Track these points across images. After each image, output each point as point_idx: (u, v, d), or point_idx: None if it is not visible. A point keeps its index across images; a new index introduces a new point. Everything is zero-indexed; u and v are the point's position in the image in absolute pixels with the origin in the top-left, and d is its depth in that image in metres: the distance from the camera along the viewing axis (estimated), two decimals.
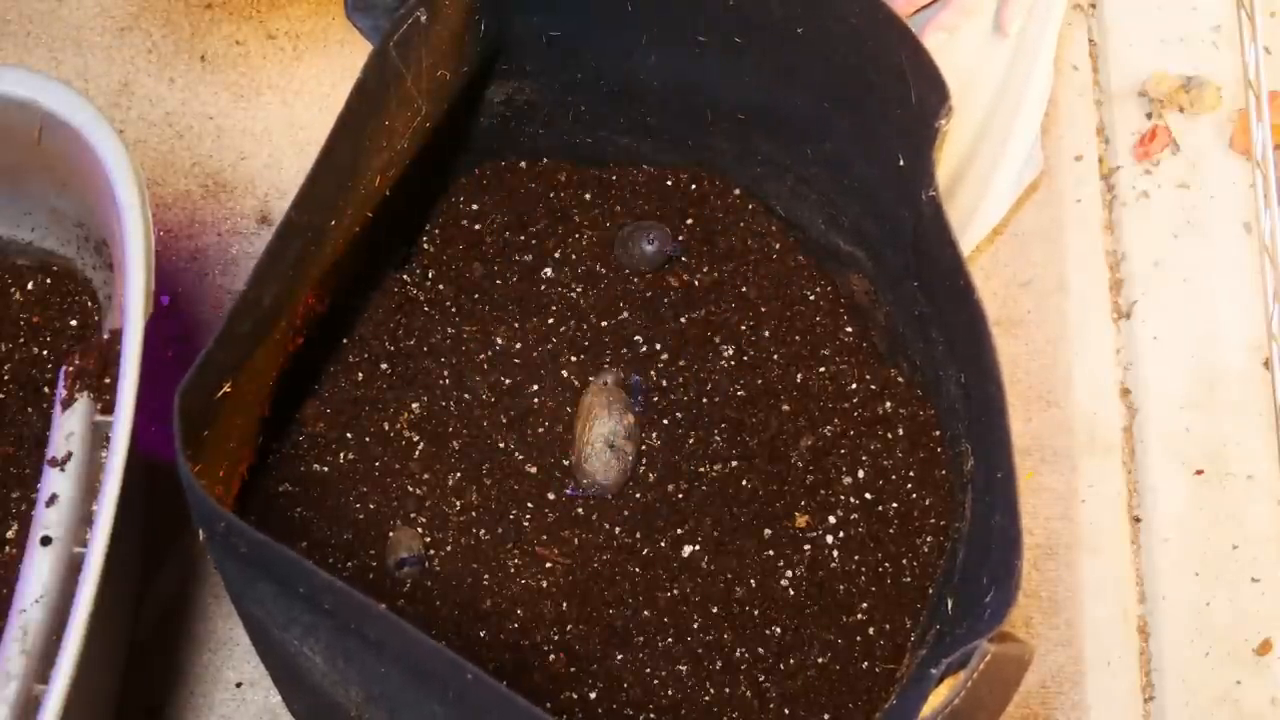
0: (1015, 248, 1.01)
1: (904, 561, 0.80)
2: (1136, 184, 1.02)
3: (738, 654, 0.78)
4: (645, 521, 0.81)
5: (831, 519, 0.81)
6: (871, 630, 0.78)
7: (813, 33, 0.75)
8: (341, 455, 0.81)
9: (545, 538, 0.80)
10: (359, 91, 0.69)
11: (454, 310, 0.86)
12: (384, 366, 0.84)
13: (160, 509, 0.85)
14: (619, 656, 0.77)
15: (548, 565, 0.79)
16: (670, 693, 0.77)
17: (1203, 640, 0.90)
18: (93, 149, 0.73)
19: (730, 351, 0.85)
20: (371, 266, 0.84)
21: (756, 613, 0.79)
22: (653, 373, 0.85)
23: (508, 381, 0.84)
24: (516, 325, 0.86)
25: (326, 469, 0.81)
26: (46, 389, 0.83)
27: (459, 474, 0.81)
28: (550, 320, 0.86)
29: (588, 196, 0.89)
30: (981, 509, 0.70)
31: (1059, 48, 0.92)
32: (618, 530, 0.81)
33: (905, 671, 0.77)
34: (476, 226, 0.88)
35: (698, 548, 0.80)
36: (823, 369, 0.85)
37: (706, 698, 0.77)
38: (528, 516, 0.81)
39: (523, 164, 0.90)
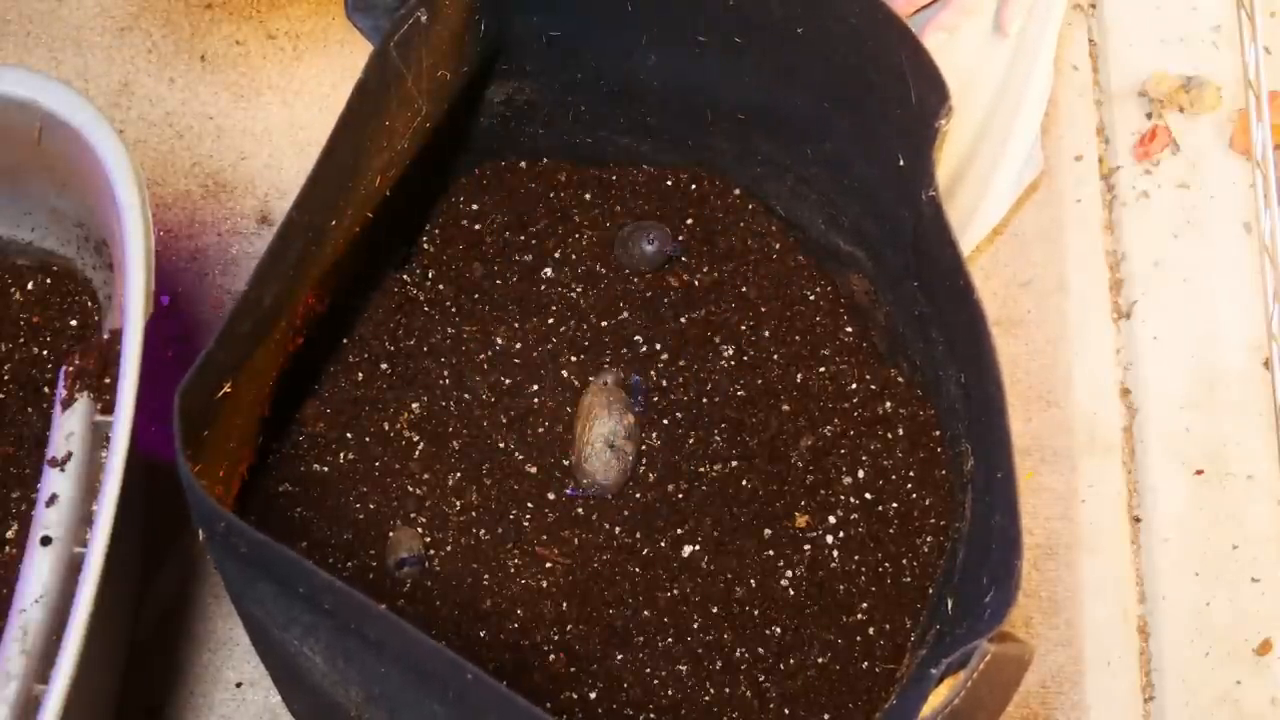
0: (1015, 248, 1.01)
1: (904, 561, 0.80)
2: (1136, 184, 1.02)
3: (738, 654, 0.78)
4: (645, 521, 0.81)
5: (831, 519, 0.81)
6: (871, 630, 0.78)
7: (813, 33, 0.75)
8: (341, 455, 0.81)
9: (545, 538, 0.80)
10: (359, 91, 0.69)
11: (454, 310, 0.86)
12: (384, 366, 0.84)
13: (160, 509, 0.85)
14: (619, 656, 0.77)
15: (548, 565, 0.79)
16: (670, 693, 0.77)
17: (1203, 640, 0.90)
18: (93, 149, 0.73)
19: (730, 351, 0.85)
20: (371, 266, 0.84)
21: (756, 613, 0.79)
22: (653, 373, 0.85)
23: (508, 381, 0.84)
24: (516, 325, 0.86)
25: (326, 469, 0.81)
26: (46, 389, 0.83)
27: (459, 474, 0.81)
28: (550, 320, 0.86)
29: (588, 196, 0.89)
30: (981, 509, 0.70)
31: (1059, 48, 0.92)
32: (618, 530, 0.81)
33: (905, 671, 0.77)
34: (476, 226, 0.88)
35: (698, 548, 0.80)
36: (823, 369, 0.85)
37: (706, 698, 0.77)
38: (528, 516, 0.81)
39: (523, 164, 0.90)
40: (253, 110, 1.02)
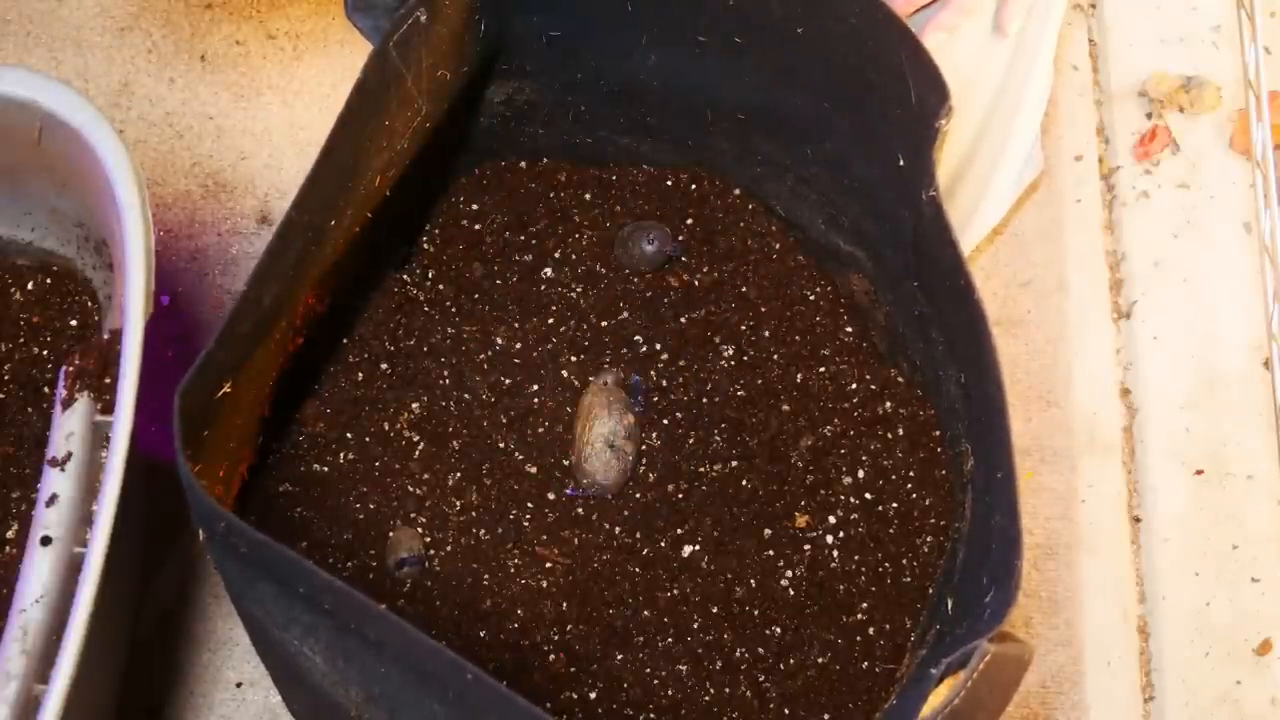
0: (1015, 248, 1.01)
1: (904, 561, 0.80)
2: (1136, 184, 1.02)
3: (738, 654, 0.78)
4: (645, 521, 0.81)
5: (831, 519, 0.81)
6: (871, 630, 0.78)
7: (813, 33, 0.75)
8: (341, 455, 0.81)
9: (545, 538, 0.80)
10: (359, 91, 0.69)
11: (454, 310, 0.86)
12: (384, 366, 0.84)
13: (160, 509, 0.85)
14: (619, 656, 0.77)
15: (548, 565, 0.79)
16: (670, 693, 0.77)
17: (1203, 640, 0.90)
18: (93, 149, 0.73)
19: (730, 351, 0.85)
20: (371, 266, 0.84)
21: (756, 613, 0.79)
22: (653, 373, 0.85)
23: (508, 381, 0.84)
24: (516, 325, 0.86)
25: (326, 469, 0.81)
26: (46, 389, 0.83)
27: (459, 474, 0.81)
28: (550, 320, 0.86)
29: (588, 196, 0.89)
30: (981, 509, 0.70)
31: (1059, 48, 0.92)
32: (618, 530, 0.81)
33: (905, 671, 0.77)
34: (476, 226, 0.88)
35: (698, 548, 0.80)
36: (823, 369, 0.85)
37: (706, 698, 0.77)
38: (528, 516, 0.81)
39: (523, 164, 0.90)
40: (253, 110, 1.02)
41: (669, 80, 0.83)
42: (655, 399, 0.84)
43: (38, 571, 0.69)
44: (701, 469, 0.82)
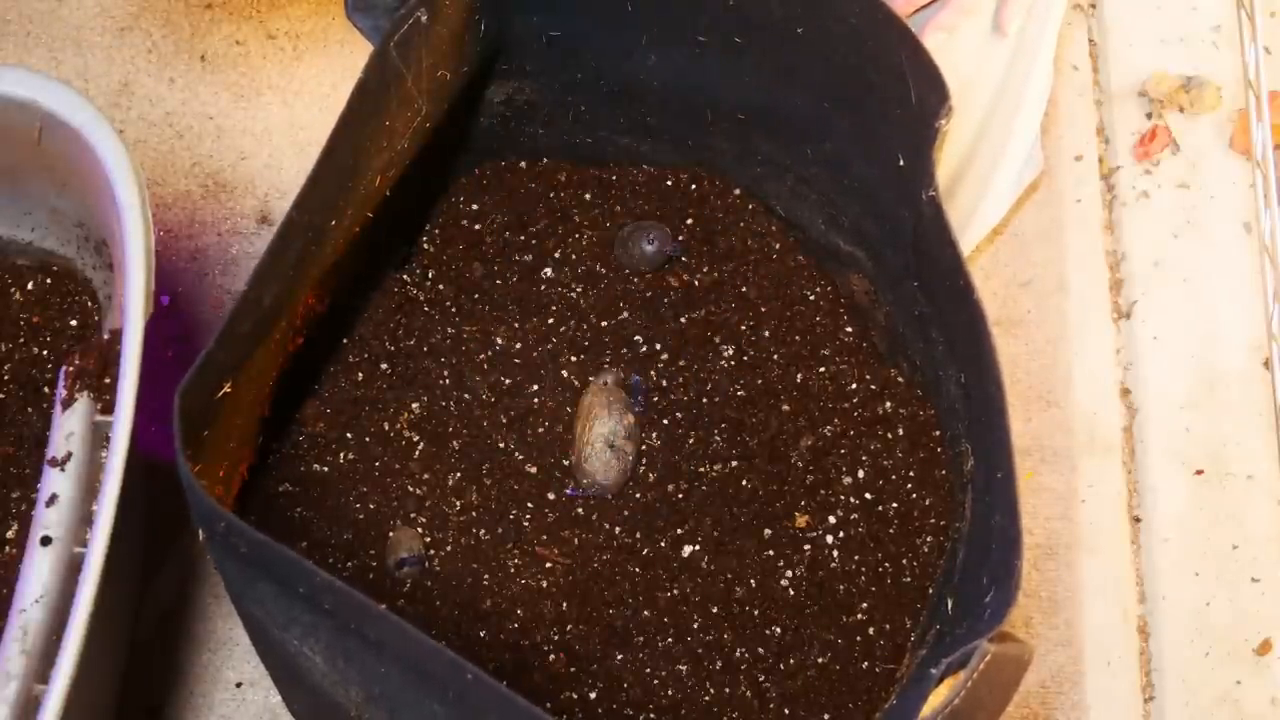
0: (1015, 248, 1.01)
1: (904, 561, 0.80)
2: (1136, 184, 1.02)
3: (738, 654, 0.78)
4: (645, 521, 0.81)
5: (831, 519, 0.81)
6: (871, 630, 0.78)
7: (813, 33, 0.75)
8: (341, 455, 0.81)
9: (545, 538, 0.80)
10: (359, 91, 0.69)
11: (454, 310, 0.86)
12: (384, 366, 0.84)
13: (160, 509, 0.85)
14: (619, 656, 0.77)
15: (548, 565, 0.79)
16: (670, 693, 0.77)
17: (1203, 640, 0.90)
18: (93, 149, 0.73)
19: (730, 351, 0.85)
20: (371, 266, 0.84)
21: (756, 613, 0.79)
22: (653, 373, 0.85)
23: (508, 381, 0.84)
24: (516, 325, 0.86)
25: (326, 469, 0.81)
26: (46, 389, 0.83)
27: (459, 474, 0.81)
28: (550, 320, 0.86)
29: (588, 196, 0.89)
30: (981, 509, 0.70)
31: (1059, 48, 0.92)
32: (618, 530, 0.81)
33: (905, 671, 0.77)
34: (476, 226, 0.88)
35: (698, 548, 0.80)
36: (823, 369, 0.85)
37: (706, 698, 0.77)
38: (528, 516, 0.81)
39: (523, 164, 0.90)
40: (253, 110, 1.02)
41: (669, 80, 0.83)
42: (655, 399, 0.84)
43: (38, 571, 0.69)
44: (701, 469, 0.82)
